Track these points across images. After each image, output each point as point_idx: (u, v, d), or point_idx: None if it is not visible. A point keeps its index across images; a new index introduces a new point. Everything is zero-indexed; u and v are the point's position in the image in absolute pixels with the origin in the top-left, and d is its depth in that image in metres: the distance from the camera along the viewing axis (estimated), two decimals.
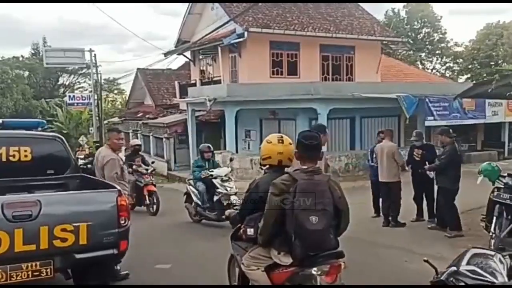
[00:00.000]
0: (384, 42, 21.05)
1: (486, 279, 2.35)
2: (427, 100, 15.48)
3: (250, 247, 3.64)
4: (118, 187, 4.56)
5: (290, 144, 3.68)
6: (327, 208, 3.24)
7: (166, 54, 21.56)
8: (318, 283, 3.18)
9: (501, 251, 2.56)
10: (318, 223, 3.18)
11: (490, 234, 6.10)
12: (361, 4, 22.60)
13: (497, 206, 6.16)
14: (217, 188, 8.55)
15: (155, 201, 10.30)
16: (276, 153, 3.64)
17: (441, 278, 2.38)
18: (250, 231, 3.56)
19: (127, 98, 32.21)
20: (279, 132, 16.34)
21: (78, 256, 4.21)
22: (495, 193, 6.27)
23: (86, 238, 4.21)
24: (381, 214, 8.66)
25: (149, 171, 10.80)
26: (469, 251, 2.39)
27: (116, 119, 28.35)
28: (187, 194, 9.33)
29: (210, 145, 9.68)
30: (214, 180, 8.61)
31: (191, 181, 9.29)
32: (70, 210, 4.27)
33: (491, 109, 16.77)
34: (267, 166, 3.73)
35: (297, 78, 18.75)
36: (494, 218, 6.12)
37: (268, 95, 15.40)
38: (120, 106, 40.47)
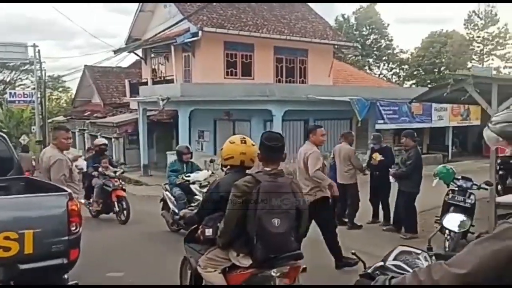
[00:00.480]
0: (336, 46, 21.40)
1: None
2: (378, 103, 15.83)
3: (206, 249, 3.56)
4: (69, 190, 4.18)
5: (253, 145, 3.62)
6: (290, 210, 3.23)
7: (116, 52, 20.81)
8: (277, 284, 3.17)
9: (429, 250, 2.63)
10: (281, 225, 3.15)
11: (445, 235, 6.20)
12: (313, 8, 22.89)
13: (452, 208, 6.28)
14: (195, 194, 7.63)
15: (124, 207, 9.16)
16: (238, 153, 3.58)
17: (368, 271, 2.47)
18: (209, 232, 3.48)
19: (73, 96, 30.92)
20: (234, 133, 16.27)
21: (22, 266, 3.82)
22: (450, 195, 6.40)
23: (32, 246, 3.83)
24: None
25: (117, 173, 9.66)
26: (397, 248, 2.47)
27: (61, 118, 27.12)
28: (164, 200, 8.40)
29: (188, 146, 8.84)
30: (191, 186, 7.80)
31: (167, 186, 8.30)
32: (13, 216, 3.87)
33: (437, 114, 17.41)
34: (229, 166, 3.66)
35: (251, 80, 18.70)
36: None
37: (223, 96, 15.19)
38: (65, 105, 38.86)
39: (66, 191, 4.15)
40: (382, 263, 2.45)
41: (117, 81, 23.97)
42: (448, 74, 16.37)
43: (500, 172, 9.18)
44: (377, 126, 15.54)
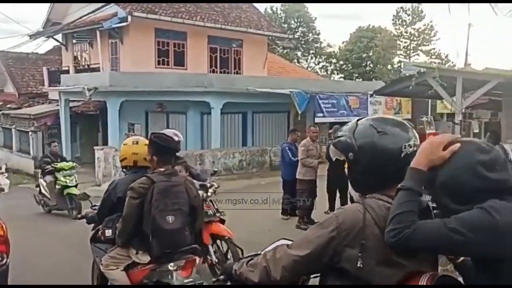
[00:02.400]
0: (270, 37, 21.02)
1: None
2: (317, 97, 15.62)
3: (110, 247, 3.65)
4: None
5: (145, 145, 3.68)
6: (183, 208, 3.42)
7: (33, 36, 18.80)
8: (174, 278, 3.33)
9: None
10: (174, 222, 3.35)
11: None
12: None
13: None
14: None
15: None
16: (130, 153, 3.75)
17: (244, 256, 2.39)
18: (108, 233, 3.63)
19: None
20: (167, 126, 15.34)
21: None
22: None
23: None
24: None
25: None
26: (279, 241, 2.31)
27: None
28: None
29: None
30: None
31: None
32: None
33: (372, 108, 17.60)
34: (127, 167, 3.83)
35: (184, 70, 17.83)
36: None
37: (156, 86, 14.16)
38: None
39: None
40: (257, 252, 2.26)
41: (34, 68, 21.74)
42: (416, 64, 16.52)
43: None
44: (317, 120, 15.33)
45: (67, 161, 10.34)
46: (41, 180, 10.16)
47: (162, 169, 3.44)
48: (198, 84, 14.60)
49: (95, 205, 4.14)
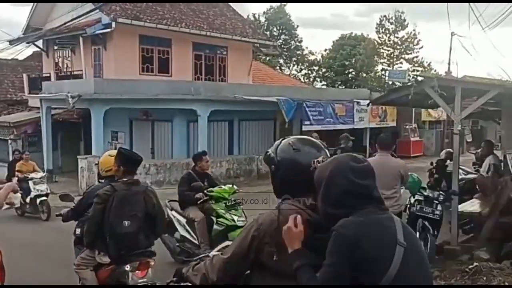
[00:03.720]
0: (256, 44, 20.97)
1: None
2: (304, 104, 15.58)
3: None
4: None
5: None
6: (139, 214, 3.81)
7: (13, 42, 18.34)
8: (130, 278, 3.70)
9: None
10: (130, 226, 3.73)
11: None
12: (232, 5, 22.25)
13: (420, 220, 5.94)
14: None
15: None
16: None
17: (194, 259, 2.69)
18: (78, 231, 4.27)
19: None
20: (153, 135, 15.01)
21: None
22: (417, 207, 6.04)
23: None
24: None
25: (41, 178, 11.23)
26: (225, 242, 2.75)
27: None
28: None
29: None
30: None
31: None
32: None
33: (358, 115, 17.66)
34: (107, 177, 4.20)
35: (169, 77, 17.62)
36: (417, 233, 5.87)
37: (141, 93, 13.91)
38: None
39: None
40: (206, 254, 2.64)
41: (13, 75, 21.17)
42: (415, 75, 16.69)
43: (436, 176, 9.18)
44: (304, 127, 15.28)
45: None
46: None
47: (125, 179, 3.89)
48: (185, 91, 14.41)
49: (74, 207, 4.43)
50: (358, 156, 1.90)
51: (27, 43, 18.94)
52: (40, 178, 11.14)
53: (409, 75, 23.98)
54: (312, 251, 1.80)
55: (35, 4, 18.97)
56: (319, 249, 1.77)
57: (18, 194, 4.25)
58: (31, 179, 10.72)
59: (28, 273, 6.01)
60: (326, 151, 2.06)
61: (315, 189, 1.88)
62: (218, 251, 2.47)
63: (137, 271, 3.76)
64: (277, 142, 2.13)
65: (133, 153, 4.17)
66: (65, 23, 15.18)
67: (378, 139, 5.61)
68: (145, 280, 3.80)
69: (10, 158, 16.84)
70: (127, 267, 3.73)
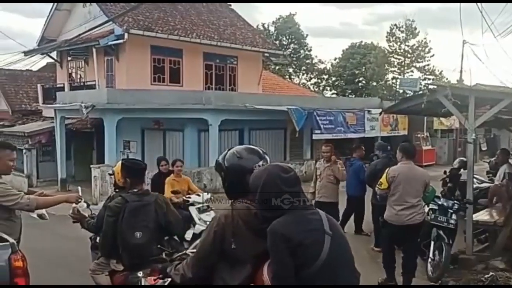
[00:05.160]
0: (266, 54, 21.08)
1: None
2: (315, 113, 15.60)
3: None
4: (11, 239, 3.01)
5: None
6: (150, 224, 3.86)
7: (27, 53, 18.64)
8: (143, 284, 3.72)
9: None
10: (141, 237, 3.81)
11: (429, 259, 5.81)
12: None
13: (434, 229, 5.90)
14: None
15: None
16: None
17: (174, 257, 3.02)
18: (98, 239, 4.42)
19: None
20: (164, 144, 15.06)
21: None
22: (432, 216, 6.01)
23: None
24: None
25: None
26: (198, 241, 2.86)
27: None
28: None
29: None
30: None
31: None
32: None
33: (369, 124, 17.62)
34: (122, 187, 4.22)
35: (180, 86, 17.73)
36: (432, 242, 5.84)
37: (153, 103, 14.04)
38: None
39: (6, 240, 2.96)
40: (184, 251, 2.93)
41: (28, 85, 21.50)
42: (426, 84, 16.65)
43: (449, 185, 9.13)
44: (315, 136, 15.28)
45: None
46: None
47: (135, 190, 3.94)
48: (196, 101, 14.52)
49: (93, 214, 4.43)
50: (285, 167, 2.26)
51: (42, 54, 19.23)
52: (205, 202, 7.36)
53: (420, 84, 23.85)
54: (261, 237, 2.15)
55: (50, 16, 19.28)
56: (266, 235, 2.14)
57: (84, 204, 4.28)
58: (192, 203, 7.23)
59: (43, 281, 6.06)
60: (267, 157, 2.44)
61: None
62: (194, 247, 2.84)
63: (149, 277, 3.78)
64: (224, 152, 2.49)
65: (136, 163, 4.19)
66: (79, 35, 15.36)
67: (403, 147, 5.63)
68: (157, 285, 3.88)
69: (26, 168, 17.09)
70: (140, 273, 3.82)
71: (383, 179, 5.56)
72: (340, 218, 7.91)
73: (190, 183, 7.81)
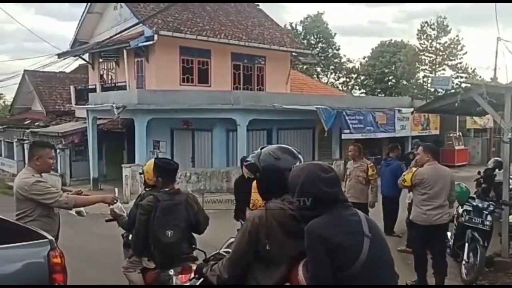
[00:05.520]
0: (294, 53, 21.00)
1: None
2: (344, 113, 15.45)
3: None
4: (49, 236, 3.11)
5: None
6: (181, 224, 3.92)
7: (61, 56, 19.14)
8: (174, 282, 3.85)
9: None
10: (173, 236, 3.86)
11: (463, 262, 5.67)
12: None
13: (469, 231, 5.75)
14: None
15: None
16: None
17: (207, 257, 2.94)
18: (130, 237, 4.38)
19: (7, 103, 28.34)
20: (193, 144, 15.16)
21: None
22: (466, 217, 5.86)
23: None
24: None
25: None
26: (229, 240, 2.91)
27: None
28: None
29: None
30: None
31: None
32: None
33: (400, 123, 17.33)
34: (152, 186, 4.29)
35: (208, 87, 17.86)
36: (467, 244, 5.70)
37: (182, 103, 14.20)
38: None
39: (45, 237, 3.06)
40: (217, 251, 2.91)
41: (61, 87, 22.13)
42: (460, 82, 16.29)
43: (483, 185, 8.86)
44: (343, 136, 15.14)
45: None
46: None
47: (167, 189, 3.98)
48: (224, 101, 14.60)
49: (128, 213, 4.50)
50: (326, 166, 2.25)
51: (74, 56, 19.71)
52: None
53: (452, 82, 23.29)
54: (297, 238, 2.15)
55: (82, 19, 19.75)
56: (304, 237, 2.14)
57: (119, 204, 4.40)
58: None
59: (77, 278, 6.21)
60: (300, 157, 2.45)
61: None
62: (226, 247, 2.88)
63: (180, 275, 3.91)
64: (257, 152, 2.49)
65: (168, 162, 4.21)
66: (110, 37, 15.68)
67: (430, 148, 5.63)
68: (188, 283, 3.87)
69: (60, 168, 17.54)
70: (171, 272, 3.90)
71: (407, 177, 5.60)
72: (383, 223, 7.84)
73: None
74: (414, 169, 5.66)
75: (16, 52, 67.94)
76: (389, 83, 40.72)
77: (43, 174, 4.24)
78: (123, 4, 17.84)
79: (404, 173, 5.91)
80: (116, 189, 4.87)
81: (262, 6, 23.07)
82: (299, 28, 44.21)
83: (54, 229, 4.09)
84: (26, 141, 19.85)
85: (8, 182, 20.16)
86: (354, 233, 2.10)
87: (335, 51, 44.59)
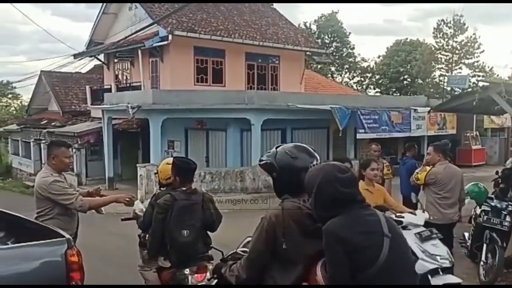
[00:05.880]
0: (308, 53, 20.93)
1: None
2: (358, 112, 15.33)
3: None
4: (67, 235, 3.14)
5: None
6: (197, 223, 3.93)
7: (77, 56, 19.37)
8: (190, 281, 3.87)
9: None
10: (189, 235, 3.88)
11: (481, 263, 5.58)
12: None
13: (487, 231, 5.66)
14: None
15: None
16: None
17: (225, 257, 2.97)
18: (146, 237, 4.27)
19: (24, 103, 28.79)
20: (207, 144, 15.21)
21: None
22: (484, 218, 5.77)
23: None
24: None
25: None
26: (246, 239, 2.89)
27: (14, 127, 25.09)
28: None
29: None
30: None
31: None
32: None
33: (416, 123, 17.14)
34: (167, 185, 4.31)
35: (223, 86, 17.89)
36: (485, 245, 5.61)
37: (197, 103, 14.25)
38: (15, 112, 36.44)
39: (63, 235, 3.08)
40: (234, 250, 2.89)
41: (77, 87, 22.39)
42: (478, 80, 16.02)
43: (501, 185, 8.72)
44: (359, 136, 15.04)
45: None
46: None
47: (184, 188, 3.99)
48: (238, 101, 14.61)
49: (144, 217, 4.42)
50: (343, 167, 2.23)
51: (90, 56, 19.92)
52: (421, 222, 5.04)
53: (469, 81, 22.94)
54: (314, 237, 2.16)
55: (97, 19, 19.95)
56: (321, 235, 2.12)
57: (140, 205, 4.44)
58: (406, 226, 4.58)
59: (93, 276, 6.26)
60: (317, 155, 2.44)
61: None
62: (243, 246, 2.87)
63: (195, 275, 3.94)
64: (273, 151, 2.47)
65: (187, 162, 4.21)
66: (125, 37, 15.82)
67: (441, 148, 5.68)
68: (203, 283, 3.93)
69: (76, 167, 17.72)
70: (187, 271, 3.92)
71: (421, 175, 5.73)
72: None
73: (386, 194, 5.27)
74: (428, 168, 5.75)
75: (32, 53, 68.95)
76: (405, 82, 40.27)
77: (63, 174, 4.30)
78: (138, 5, 17.96)
79: (417, 171, 5.99)
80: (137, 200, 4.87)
81: (276, 5, 23.04)
82: (313, 27, 44.01)
83: (72, 228, 4.15)
84: (43, 141, 20.13)
85: (25, 182, 20.49)
86: (373, 233, 2.08)
87: (349, 50, 44.28)
